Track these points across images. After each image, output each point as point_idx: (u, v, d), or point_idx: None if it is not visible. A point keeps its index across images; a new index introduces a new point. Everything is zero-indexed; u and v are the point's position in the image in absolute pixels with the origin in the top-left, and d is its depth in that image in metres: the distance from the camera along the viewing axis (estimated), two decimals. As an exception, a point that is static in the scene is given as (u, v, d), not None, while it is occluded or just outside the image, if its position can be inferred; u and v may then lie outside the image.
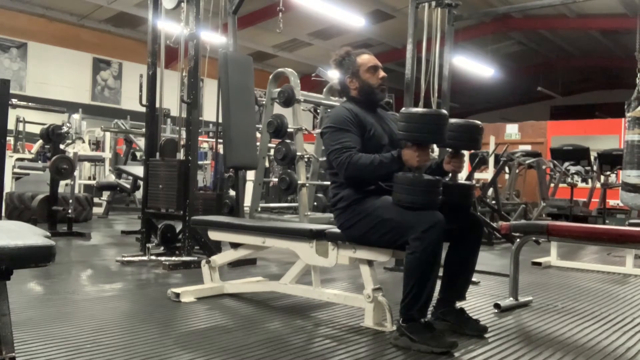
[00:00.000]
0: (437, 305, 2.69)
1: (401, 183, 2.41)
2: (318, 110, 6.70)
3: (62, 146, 6.45)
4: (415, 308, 2.38)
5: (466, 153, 9.90)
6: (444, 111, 2.47)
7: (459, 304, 2.72)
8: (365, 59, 2.71)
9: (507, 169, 8.71)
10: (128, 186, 8.28)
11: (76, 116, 9.30)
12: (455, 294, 2.70)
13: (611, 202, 9.85)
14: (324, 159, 3.54)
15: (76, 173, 6.50)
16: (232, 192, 5.14)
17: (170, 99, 5.12)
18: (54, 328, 2.46)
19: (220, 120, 5.16)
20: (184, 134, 4.73)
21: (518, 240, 3.26)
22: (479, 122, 2.67)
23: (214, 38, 6.13)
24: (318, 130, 5.69)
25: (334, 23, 13.44)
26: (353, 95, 2.73)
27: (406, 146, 2.45)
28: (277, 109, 5.41)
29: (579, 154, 9.72)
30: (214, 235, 3.35)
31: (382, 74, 2.70)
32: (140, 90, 4.68)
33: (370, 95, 2.70)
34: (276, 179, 6.30)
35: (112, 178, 8.85)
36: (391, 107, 7.08)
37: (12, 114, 8.17)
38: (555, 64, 18.78)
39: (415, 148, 2.40)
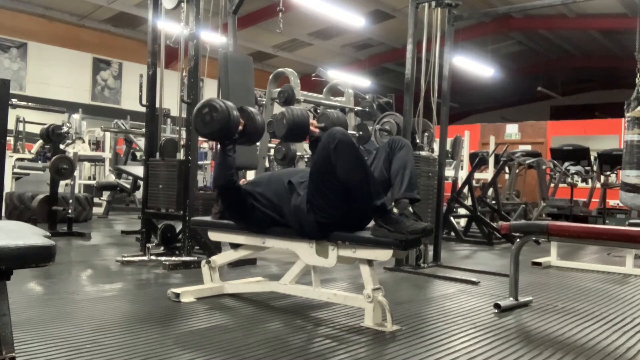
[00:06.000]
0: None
1: None
2: (318, 110, 6.68)
3: (62, 146, 6.44)
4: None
5: (467, 154, 9.85)
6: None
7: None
8: None
9: (507, 169, 8.71)
10: (128, 186, 8.29)
11: (76, 116, 9.30)
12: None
13: (611, 202, 9.86)
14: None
15: (76, 173, 6.49)
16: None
17: (170, 99, 5.12)
18: (54, 328, 2.46)
19: (220, 120, 5.15)
20: (184, 134, 4.73)
21: (518, 240, 3.26)
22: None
23: (214, 38, 6.12)
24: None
25: (334, 23, 13.45)
26: None
27: None
28: (277, 109, 5.40)
29: (579, 154, 9.72)
30: (213, 235, 3.34)
31: None
32: (140, 90, 4.68)
33: None
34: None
35: (112, 178, 8.85)
36: (391, 107, 7.07)
37: (12, 114, 8.17)
38: (555, 64, 18.78)
39: None
